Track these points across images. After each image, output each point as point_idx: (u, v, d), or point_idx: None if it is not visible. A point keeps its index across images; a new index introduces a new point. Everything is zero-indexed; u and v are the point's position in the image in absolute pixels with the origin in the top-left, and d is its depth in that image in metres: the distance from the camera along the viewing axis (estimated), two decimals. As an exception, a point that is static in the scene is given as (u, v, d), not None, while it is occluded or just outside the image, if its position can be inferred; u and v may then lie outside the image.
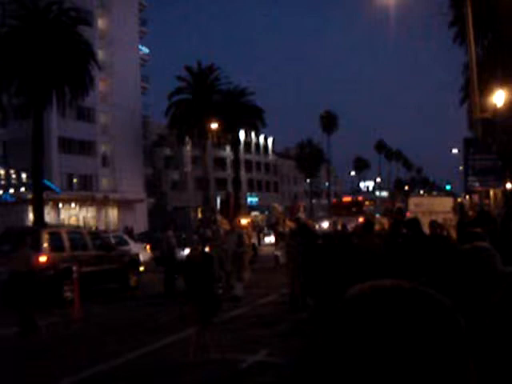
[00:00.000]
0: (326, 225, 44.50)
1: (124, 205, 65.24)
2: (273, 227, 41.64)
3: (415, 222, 10.43)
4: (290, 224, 24.93)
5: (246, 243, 19.42)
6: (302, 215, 32.33)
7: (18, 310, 13.43)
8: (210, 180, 69.24)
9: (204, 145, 62.56)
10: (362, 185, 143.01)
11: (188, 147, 75.80)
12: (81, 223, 60.74)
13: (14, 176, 55.47)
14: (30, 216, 45.31)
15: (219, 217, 23.48)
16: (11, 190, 53.99)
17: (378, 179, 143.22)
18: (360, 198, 50.91)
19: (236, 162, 68.97)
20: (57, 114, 48.32)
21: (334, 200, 58.28)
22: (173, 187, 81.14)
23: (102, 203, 63.13)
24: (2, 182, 55.21)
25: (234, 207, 24.47)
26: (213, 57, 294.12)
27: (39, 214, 38.60)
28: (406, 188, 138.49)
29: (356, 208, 45.08)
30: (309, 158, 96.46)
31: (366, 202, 49.93)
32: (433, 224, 11.57)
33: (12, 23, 40.12)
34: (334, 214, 45.41)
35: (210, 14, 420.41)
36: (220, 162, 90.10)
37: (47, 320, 14.73)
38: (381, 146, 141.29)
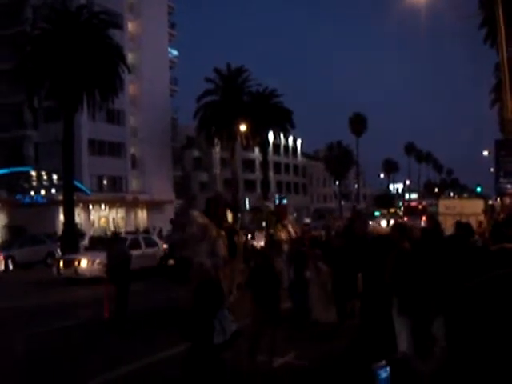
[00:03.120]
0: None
1: (153, 206, 65.59)
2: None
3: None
4: (281, 231, 20.00)
5: (221, 253, 14.38)
6: (290, 218, 24.77)
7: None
8: (238, 182, 69.36)
9: (233, 147, 62.72)
10: (392, 187, 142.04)
11: (217, 149, 75.97)
12: (110, 224, 61.25)
13: (45, 177, 55.98)
14: (61, 217, 45.79)
15: (195, 212, 15.78)
16: (42, 192, 54.54)
17: (408, 181, 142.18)
18: (424, 203, 64.16)
19: (265, 163, 69.11)
20: (87, 117, 48.72)
21: (405, 204, 76.43)
22: (201, 189, 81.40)
23: (131, 204, 63.57)
24: (34, 184, 55.76)
25: (224, 209, 17.13)
26: (241, 58, 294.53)
27: (70, 215, 39.04)
28: (436, 190, 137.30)
29: (421, 210, 55.56)
30: (338, 160, 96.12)
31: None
32: (458, 225, 11.46)
33: (43, 27, 40.58)
34: (404, 214, 58.25)
35: (239, 17, 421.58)
36: (249, 164, 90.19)
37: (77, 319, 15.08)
38: (411, 148, 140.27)
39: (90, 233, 51.28)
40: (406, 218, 48.38)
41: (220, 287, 6.99)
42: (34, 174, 56.33)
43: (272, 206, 30.68)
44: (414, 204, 70.06)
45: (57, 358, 11.29)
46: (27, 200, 53.40)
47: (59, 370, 10.39)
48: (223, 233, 15.38)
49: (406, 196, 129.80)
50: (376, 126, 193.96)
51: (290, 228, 20.64)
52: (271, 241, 19.38)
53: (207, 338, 6.04)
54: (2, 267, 32.81)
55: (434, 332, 8.35)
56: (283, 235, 19.50)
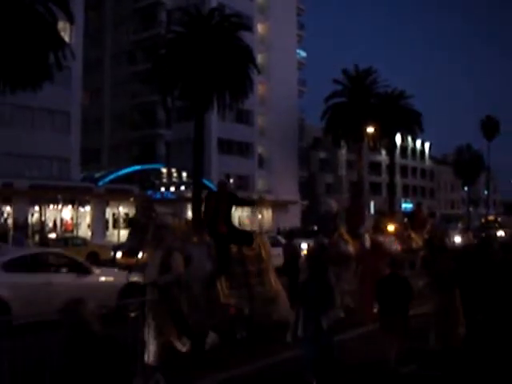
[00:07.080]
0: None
1: (278, 206, 66.15)
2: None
3: None
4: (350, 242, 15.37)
5: (177, 268, 9.79)
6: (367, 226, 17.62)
7: None
8: (364, 184, 68.69)
9: (359, 149, 62.13)
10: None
11: (343, 151, 75.68)
12: (236, 222, 62.28)
13: (175, 175, 57.77)
14: (189, 213, 47.08)
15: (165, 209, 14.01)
16: (172, 188, 56.23)
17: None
18: None
19: (391, 166, 67.97)
20: (217, 117, 49.88)
21: None
22: (327, 190, 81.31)
23: (257, 203, 64.41)
24: (164, 181, 57.59)
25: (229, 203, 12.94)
26: (370, 59, 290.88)
27: (198, 212, 40.02)
28: None
29: None
30: (467, 165, 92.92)
31: None
32: None
33: (177, 30, 41.84)
34: None
35: (367, 18, 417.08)
36: (375, 167, 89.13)
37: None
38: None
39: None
40: None
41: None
42: (164, 171, 58.23)
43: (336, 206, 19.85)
44: None
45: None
46: (157, 196, 55.10)
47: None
48: (208, 239, 11.89)
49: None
50: (510, 130, 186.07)
51: (367, 240, 15.57)
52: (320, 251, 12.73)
53: None
54: None
55: None
56: (351, 248, 15.21)
